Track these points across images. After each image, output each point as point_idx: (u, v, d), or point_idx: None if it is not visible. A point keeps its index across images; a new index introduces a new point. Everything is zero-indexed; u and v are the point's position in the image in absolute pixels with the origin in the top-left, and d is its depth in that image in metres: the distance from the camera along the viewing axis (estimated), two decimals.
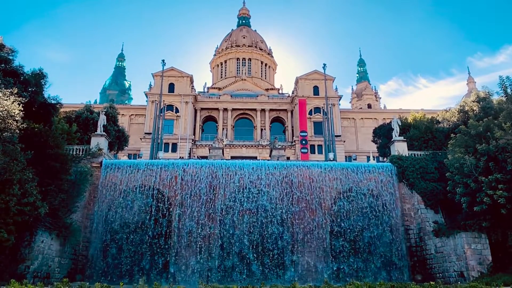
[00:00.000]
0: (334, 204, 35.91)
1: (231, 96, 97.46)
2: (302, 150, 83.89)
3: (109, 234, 33.95)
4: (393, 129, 41.61)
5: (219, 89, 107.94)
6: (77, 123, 42.71)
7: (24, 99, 28.03)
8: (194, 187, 35.25)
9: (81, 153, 36.90)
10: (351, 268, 33.82)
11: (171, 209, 34.80)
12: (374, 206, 36.07)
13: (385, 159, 45.64)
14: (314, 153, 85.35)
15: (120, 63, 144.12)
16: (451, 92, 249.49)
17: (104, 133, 39.87)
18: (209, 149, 49.15)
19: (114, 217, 34.47)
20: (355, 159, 68.36)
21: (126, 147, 53.48)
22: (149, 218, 34.35)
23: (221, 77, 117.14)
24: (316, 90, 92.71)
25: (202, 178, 35.63)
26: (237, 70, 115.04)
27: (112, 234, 33.91)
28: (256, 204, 35.13)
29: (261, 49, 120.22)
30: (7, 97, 25.37)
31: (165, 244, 33.80)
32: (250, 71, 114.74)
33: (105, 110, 44.59)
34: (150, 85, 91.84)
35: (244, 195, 35.24)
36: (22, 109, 26.06)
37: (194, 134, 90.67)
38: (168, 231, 34.29)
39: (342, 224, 35.07)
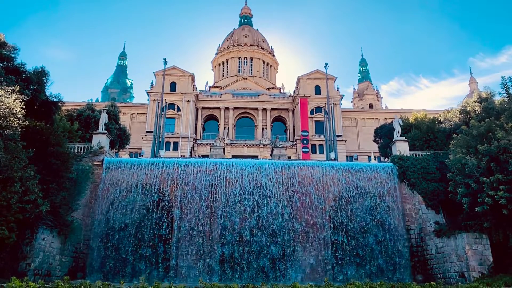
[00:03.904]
0: (335, 203, 35.88)
1: (233, 95, 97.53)
2: (303, 150, 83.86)
3: (110, 232, 33.89)
4: (394, 129, 41.58)
5: (221, 88, 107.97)
6: (79, 121, 42.88)
7: (26, 97, 28.16)
8: (195, 186, 35.28)
9: (82, 151, 36.94)
10: (351, 267, 33.78)
11: (172, 208, 34.83)
12: (375, 206, 36.04)
13: (386, 159, 45.62)
14: (315, 152, 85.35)
15: (122, 61, 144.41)
16: (453, 93, 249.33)
17: (105, 131, 39.90)
18: (210, 148, 49.20)
19: (115, 215, 34.47)
20: (356, 159, 68.18)
21: (127, 146, 53.63)
22: (150, 216, 34.36)
23: (223, 76, 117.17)
24: (317, 90, 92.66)
25: (203, 177, 35.65)
26: (239, 69, 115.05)
27: (113, 232, 33.86)
28: (257, 203, 35.11)
29: (262, 48, 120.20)
30: (9, 94, 25.43)
31: (165, 242, 33.82)
32: (251, 70, 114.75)
33: (106, 108, 44.68)
34: (152, 83, 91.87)
35: (245, 194, 35.23)
36: (24, 107, 26.11)
37: (195, 133, 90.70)
38: (169, 229, 34.29)
39: (343, 224, 35.02)
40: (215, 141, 49.48)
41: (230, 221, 34.58)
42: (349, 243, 34.40)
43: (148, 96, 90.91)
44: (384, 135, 48.76)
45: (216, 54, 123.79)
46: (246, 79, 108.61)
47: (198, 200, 34.81)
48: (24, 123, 26.00)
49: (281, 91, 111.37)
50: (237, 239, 33.91)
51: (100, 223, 34.10)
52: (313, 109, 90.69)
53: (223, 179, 35.70)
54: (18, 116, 25.31)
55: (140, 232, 33.96)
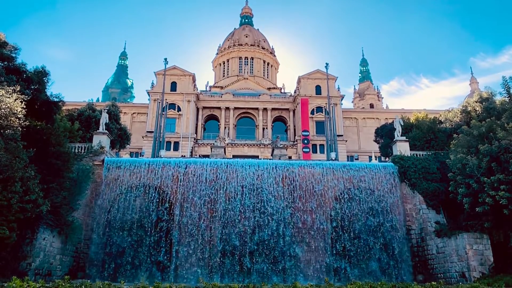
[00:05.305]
0: (335, 203, 35.83)
1: (233, 95, 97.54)
2: (304, 150, 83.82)
3: (110, 232, 33.88)
4: (395, 129, 41.57)
5: (221, 88, 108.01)
6: (79, 121, 42.93)
7: (26, 96, 28.16)
8: (195, 186, 35.21)
9: (83, 151, 36.96)
10: (352, 267, 33.70)
11: (172, 207, 34.77)
12: (375, 206, 35.96)
13: (387, 159, 45.60)
14: (316, 152, 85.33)
15: (123, 61, 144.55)
16: (454, 93, 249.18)
17: (106, 131, 39.90)
18: (211, 148, 49.20)
19: (115, 215, 34.45)
20: (357, 159, 68.17)
21: (128, 145, 53.68)
22: (151, 216, 34.34)
23: (224, 76, 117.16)
24: (318, 90, 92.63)
25: (204, 177, 35.60)
26: (240, 69, 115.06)
27: (113, 232, 33.84)
28: (257, 203, 35.05)
29: (263, 48, 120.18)
30: (9, 94, 25.42)
31: (166, 242, 33.76)
32: (252, 70, 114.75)
33: (107, 108, 44.72)
34: (152, 83, 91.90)
35: (245, 194, 35.17)
36: (24, 106, 26.11)
37: (196, 132, 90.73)
38: (169, 229, 34.24)
39: (344, 223, 34.96)
40: (215, 141, 49.46)
41: (229, 245, 33.54)
42: (349, 242, 34.29)
43: (149, 96, 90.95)
44: (384, 135, 48.77)
45: (217, 54, 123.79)
46: (247, 79, 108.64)
47: (198, 199, 34.69)
48: (24, 123, 26.00)
49: (282, 91, 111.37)
50: (237, 269, 32.65)
51: (101, 222, 34.02)
52: (313, 109, 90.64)
53: (223, 193, 34.95)
54: (19, 116, 25.31)
55: (141, 232, 33.69)
